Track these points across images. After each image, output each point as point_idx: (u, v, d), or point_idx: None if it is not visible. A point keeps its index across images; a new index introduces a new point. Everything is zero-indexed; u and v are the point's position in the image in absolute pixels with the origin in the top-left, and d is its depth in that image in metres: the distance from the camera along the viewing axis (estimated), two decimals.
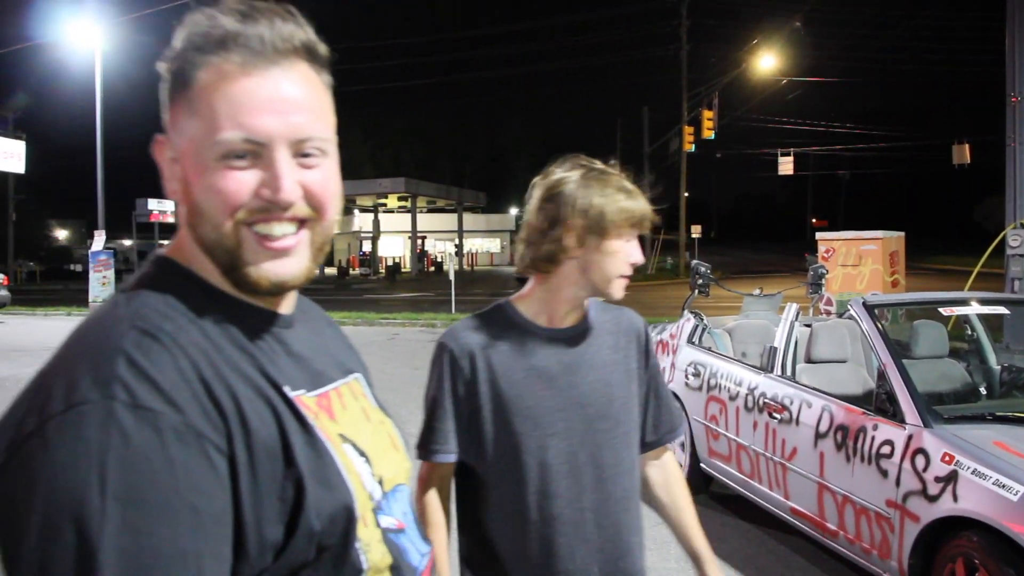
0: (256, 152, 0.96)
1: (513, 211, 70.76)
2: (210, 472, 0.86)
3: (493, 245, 69.23)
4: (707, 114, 31.40)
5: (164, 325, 0.93)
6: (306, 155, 1.00)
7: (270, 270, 1.00)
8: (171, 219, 43.17)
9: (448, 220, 61.36)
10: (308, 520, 0.93)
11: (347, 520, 0.97)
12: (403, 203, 53.90)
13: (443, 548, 1.90)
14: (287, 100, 0.97)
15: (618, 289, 1.87)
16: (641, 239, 1.94)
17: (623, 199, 1.83)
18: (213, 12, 0.97)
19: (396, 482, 1.13)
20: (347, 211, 58.25)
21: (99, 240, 21.50)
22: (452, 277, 21.83)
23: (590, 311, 1.97)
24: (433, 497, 1.92)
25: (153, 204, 30.83)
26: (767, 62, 29.92)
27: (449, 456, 1.88)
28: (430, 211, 62.15)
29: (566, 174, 1.84)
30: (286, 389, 0.99)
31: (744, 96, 38.32)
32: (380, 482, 1.08)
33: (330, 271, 51.66)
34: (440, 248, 60.74)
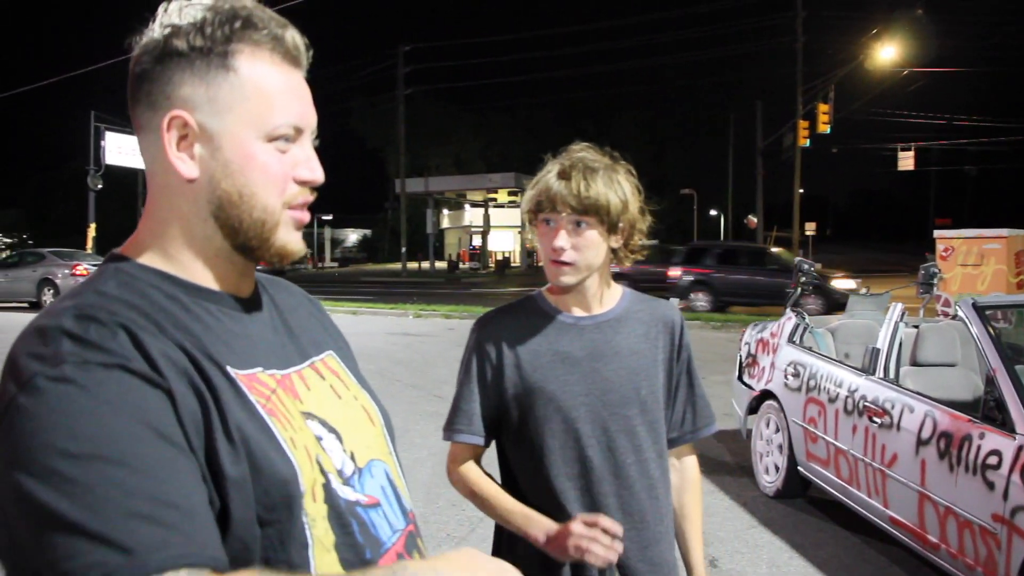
0: (293, 138, 1.06)
1: None
2: (169, 412, 0.90)
3: None
4: (822, 108, 30.39)
5: (101, 310, 0.94)
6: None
7: (293, 243, 1.09)
8: None
9: None
10: (239, 489, 0.94)
11: (287, 494, 0.97)
12: (513, 198, 54.15)
13: (505, 508, 1.88)
14: (309, 96, 1.10)
15: (553, 276, 1.87)
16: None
17: (534, 186, 1.87)
18: (244, 3, 1.04)
19: (371, 457, 1.14)
20: (458, 205, 58.87)
21: None
22: None
23: (623, 300, 1.97)
24: (466, 471, 1.94)
25: None
26: (887, 53, 28.67)
27: (473, 438, 1.91)
28: None
29: None
30: (228, 368, 1.00)
31: (862, 89, 36.94)
32: (352, 457, 1.10)
33: (440, 265, 52.33)
34: None
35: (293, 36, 1.06)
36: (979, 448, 3.91)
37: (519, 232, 53.40)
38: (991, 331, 4.32)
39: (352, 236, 77.02)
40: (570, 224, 1.81)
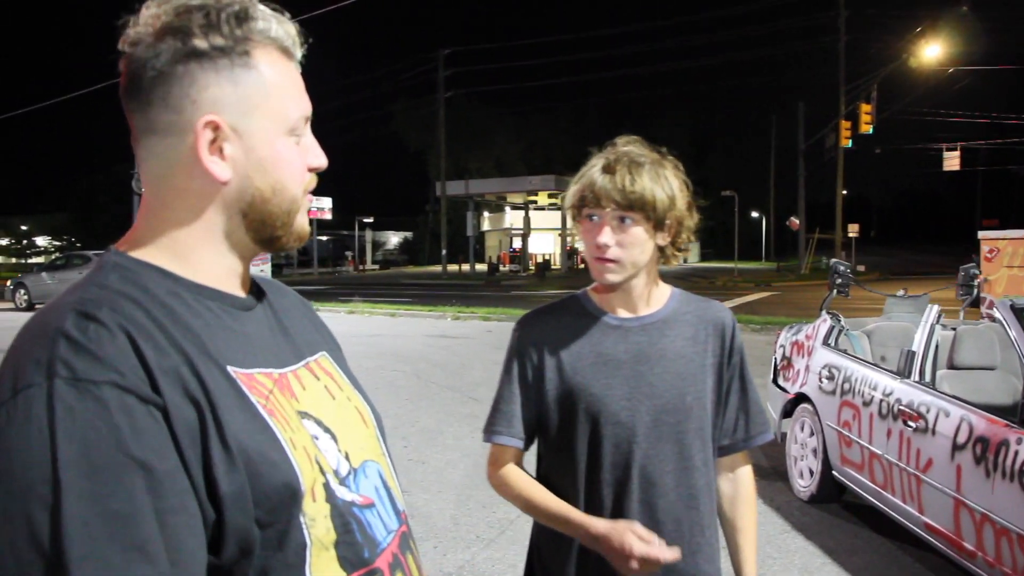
0: (301, 128, 1.09)
1: None
2: (158, 432, 0.88)
3: None
4: (865, 108, 29.92)
5: (103, 307, 0.93)
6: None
7: (305, 226, 1.13)
8: (328, 215, 44.52)
9: None
10: (235, 500, 0.93)
11: (287, 494, 0.97)
12: (553, 200, 53.97)
13: (549, 510, 1.81)
14: (303, 84, 1.12)
15: (597, 273, 1.81)
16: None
17: (578, 181, 1.80)
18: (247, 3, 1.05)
19: (364, 457, 1.15)
20: (498, 208, 58.89)
21: None
22: None
23: (671, 301, 1.90)
24: (506, 474, 1.88)
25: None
26: (931, 51, 28.14)
27: (513, 440, 1.86)
28: None
29: None
30: (228, 368, 0.99)
31: (906, 88, 36.29)
32: (347, 457, 1.11)
33: (480, 267, 52.39)
34: None
35: (290, 28, 1.08)
36: (1016, 454, 3.81)
37: (559, 234, 53.23)
38: None
39: (393, 238, 77.40)
40: (615, 220, 1.75)
